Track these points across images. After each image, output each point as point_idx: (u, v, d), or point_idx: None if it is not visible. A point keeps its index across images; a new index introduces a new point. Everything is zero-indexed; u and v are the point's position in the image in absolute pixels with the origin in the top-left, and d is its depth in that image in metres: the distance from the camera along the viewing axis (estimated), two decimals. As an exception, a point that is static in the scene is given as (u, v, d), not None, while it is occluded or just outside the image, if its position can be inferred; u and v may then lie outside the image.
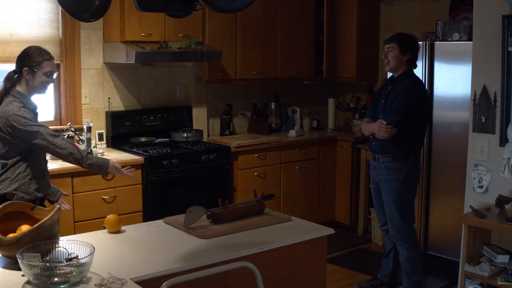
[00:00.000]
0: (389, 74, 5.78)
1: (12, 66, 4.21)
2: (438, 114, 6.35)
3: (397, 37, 5.36)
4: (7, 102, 4.05)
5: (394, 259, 5.71)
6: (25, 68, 4.07)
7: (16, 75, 4.12)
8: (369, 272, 6.17)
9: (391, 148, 5.34)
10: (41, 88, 4.18)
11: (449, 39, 6.30)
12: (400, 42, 5.31)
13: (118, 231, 3.88)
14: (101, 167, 4.19)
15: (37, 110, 4.24)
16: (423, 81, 6.37)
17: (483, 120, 5.04)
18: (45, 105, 6.22)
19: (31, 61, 4.07)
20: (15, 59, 4.16)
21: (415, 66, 5.45)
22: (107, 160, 4.24)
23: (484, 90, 5.01)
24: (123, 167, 4.32)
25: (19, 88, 4.11)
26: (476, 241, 4.95)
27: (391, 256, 5.72)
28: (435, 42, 6.38)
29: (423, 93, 5.43)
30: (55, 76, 4.24)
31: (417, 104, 5.32)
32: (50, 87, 6.01)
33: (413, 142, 5.42)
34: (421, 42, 6.41)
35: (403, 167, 5.36)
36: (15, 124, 3.97)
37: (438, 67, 6.35)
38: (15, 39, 5.77)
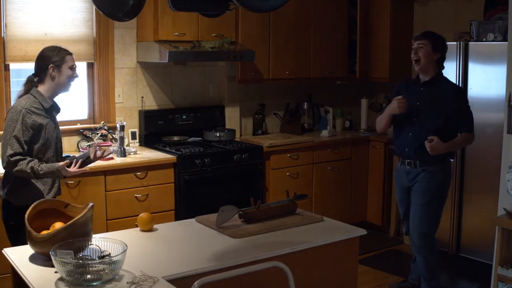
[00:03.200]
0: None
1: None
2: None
3: (429, 34, 5.26)
4: (24, 97, 4.16)
5: None
6: (51, 65, 4.16)
7: (37, 78, 4.22)
8: (401, 274, 6.13)
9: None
10: (67, 84, 4.27)
11: (484, 40, 6.25)
12: (432, 39, 5.20)
13: (150, 230, 3.90)
14: (54, 173, 4.13)
15: (57, 113, 4.33)
16: (457, 82, 6.33)
17: (518, 122, 4.99)
18: (78, 103, 6.29)
19: (54, 57, 4.18)
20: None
21: (443, 68, 5.34)
22: (57, 166, 4.13)
23: (519, 91, 4.97)
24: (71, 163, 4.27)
25: (41, 88, 4.20)
26: (509, 244, 4.91)
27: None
28: (470, 43, 6.34)
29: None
30: (77, 71, 4.33)
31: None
32: (84, 85, 6.15)
33: None
34: (455, 43, 6.38)
35: (441, 171, 5.26)
36: (8, 115, 4.11)
37: (472, 67, 6.30)
38: (50, 38, 5.81)
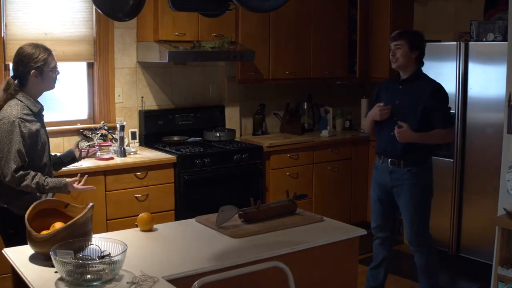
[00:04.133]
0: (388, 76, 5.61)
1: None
2: (472, 115, 6.30)
3: (405, 34, 5.17)
4: (12, 104, 3.98)
5: (385, 269, 5.55)
6: (33, 71, 3.98)
7: (17, 80, 4.03)
8: (401, 274, 6.15)
9: (414, 152, 5.14)
10: (52, 85, 4.14)
11: (484, 40, 6.24)
12: (409, 39, 5.11)
13: (150, 230, 3.90)
14: (60, 189, 4.04)
15: (43, 112, 4.19)
16: (457, 82, 6.32)
17: (518, 122, 4.98)
18: (78, 103, 6.28)
19: (36, 61, 3.99)
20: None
21: (423, 64, 5.24)
22: (64, 182, 4.06)
23: (519, 91, 4.95)
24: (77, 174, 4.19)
25: (26, 91, 4.03)
26: (509, 244, 4.90)
27: (383, 267, 5.53)
28: (470, 43, 6.33)
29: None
30: (59, 68, 4.17)
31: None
32: (84, 85, 6.15)
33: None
34: (455, 43, 6.37)
35: (425, 171, 5.20)
36: (1, 127, 3.92)
37: (472, 67, 6.29)
38: (50, 38, 5.82)
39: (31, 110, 4.01)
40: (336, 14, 7.56)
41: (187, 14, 6.03)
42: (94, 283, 2.89)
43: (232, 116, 7.24)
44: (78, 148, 4.56)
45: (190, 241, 3.75)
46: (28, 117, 3.98)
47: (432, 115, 5.07)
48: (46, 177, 4.00)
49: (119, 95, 6.40)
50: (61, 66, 4.29)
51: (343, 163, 7.35)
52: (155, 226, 3.94)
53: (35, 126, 4.02)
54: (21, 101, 3.99)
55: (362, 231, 3.97)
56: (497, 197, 5.16)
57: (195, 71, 6.94)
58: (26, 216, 3.27)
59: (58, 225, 3.30)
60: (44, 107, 4.19)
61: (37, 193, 4.03)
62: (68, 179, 4.06)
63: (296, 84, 7.68)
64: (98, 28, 6.18)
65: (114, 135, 6.10)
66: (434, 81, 5.19)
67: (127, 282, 2.95)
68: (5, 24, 5.64)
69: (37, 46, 4.07)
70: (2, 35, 5.63)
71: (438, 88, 5.14)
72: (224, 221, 3.92)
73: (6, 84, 4.05)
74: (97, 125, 6.16)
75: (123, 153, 5.88)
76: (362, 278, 5.42)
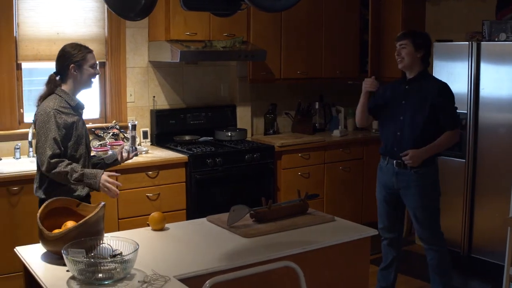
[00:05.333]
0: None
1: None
2: (484, 115, 6.27)
3: (409, 34, 5.18)
4: (50, 98, 4.13)
5: (395, 269, 5.52)
6: (72, 65, 4.12)
7: (59, 76, 4.19)
8: (412, 274, 6.13)
9: None
10: (88, 82, 4.24)
11: (496, 39, 6.22)
12: (414, 39, 5.12)
13: (161, 229, 3.90)
14: (94, 176, 4.05)
15: (83, 110, 4.29)
16: (469, 82, 6.30)
17: (531, 122, 4.97)
18: (91, 103, 6.29)
19: (75, 56, 4.13)
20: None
21: (428, 64, 5.26)
22: (101, 172, 4.10)
23: (532, 91, 4.94)
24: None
25: (65, 87, 4.17)
26: (521, 245, 4.89)
27: (393, 267, 5.50)
28: (482, 42, 6.30)
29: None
30: (98, 67, 4.32)
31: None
32: (96, 84, 6.16)
33: None
34: (467, 42, 6.34)
35: (432, 171, 5.17)
36: (38, 118, 4.07)
37: (485, 67, 6.26)
38: (62, 37, 5.83)
39: (68, 104, 4.15)
40: (348, 14, 7.55)
41: (199, 13, 6.03)
42: (106, 282, 2.90)
43: (243, 116, 7.24)
44: (124, 150, 4.59)
45: (202, 241, 3.75)
46: (65, 110, 4.11)
47: (439, 114, 5.06)
48: (82, 168, 4.09)
49: (130, 95, 6.42)
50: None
51: (354, 163, 7.34)
52: (166, 225, 3.95)
53: (71, 119, 4.13)
54: (59, 95, 4.13)
55: (373, 231, 3.97)
56: (509, 198, 5.15)
57: (207, 70, 6.95)
58: (38, 215, 3.28)
59: (70, 224, 3.31)
60: (84, 106, 4.32)
61: (69, 184, 4.09)
62: (107, 172, 4.11)
63: (308, 84, 7.67)
64: (110, 28, 6.19)
65: (125, 135, 6.12)
66: (440, 81, 5.19)
67: (139, 281, 2.95)
68: (18, 23, 5.67)
69: (78, 44, 4.24)
70: (15, 34, 5.66)
71: (444, 87, 5.14)
72: (236, 221, 3.92)
73: (48, 79, 4.21)
74: (109, 125, 6.18)
75: (135, 153, 5.89)
76: (373, 278, 5.41)
